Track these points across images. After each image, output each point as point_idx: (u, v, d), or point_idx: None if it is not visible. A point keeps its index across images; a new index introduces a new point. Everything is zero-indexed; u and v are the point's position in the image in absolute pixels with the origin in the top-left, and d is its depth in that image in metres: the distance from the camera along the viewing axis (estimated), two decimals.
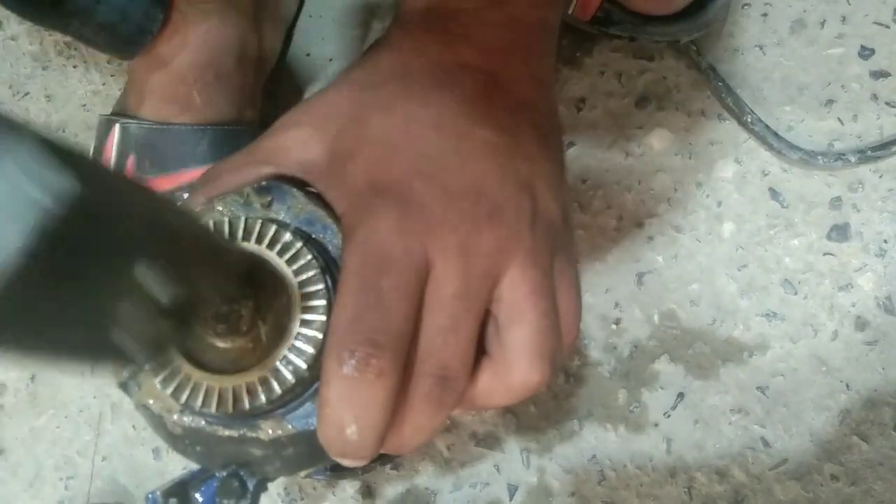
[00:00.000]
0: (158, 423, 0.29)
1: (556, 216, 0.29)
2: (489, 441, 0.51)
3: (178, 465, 0.53)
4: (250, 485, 0.29)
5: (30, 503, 0.54)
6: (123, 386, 0.29)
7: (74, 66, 0.66)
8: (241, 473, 0.29)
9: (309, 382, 0.27)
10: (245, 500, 0.29)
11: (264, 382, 0.26)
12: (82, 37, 0.48)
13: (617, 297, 0.53)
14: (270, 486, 0.50)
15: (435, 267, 0.27)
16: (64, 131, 0.64)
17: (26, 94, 0.66)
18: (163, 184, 0.52)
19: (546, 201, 0.29)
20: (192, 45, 0.49)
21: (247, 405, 0.26)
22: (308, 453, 0.29)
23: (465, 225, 0.27)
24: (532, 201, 0.29)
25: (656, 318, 0.52)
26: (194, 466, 0.32)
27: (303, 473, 0.31)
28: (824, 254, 0.52)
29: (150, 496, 0.32)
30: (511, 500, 0.50)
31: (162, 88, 0.50)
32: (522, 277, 0.27)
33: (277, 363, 0.26)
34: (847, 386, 0.50)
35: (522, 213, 0.28)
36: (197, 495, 0.32)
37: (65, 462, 0.55)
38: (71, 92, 0.65)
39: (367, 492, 0.51)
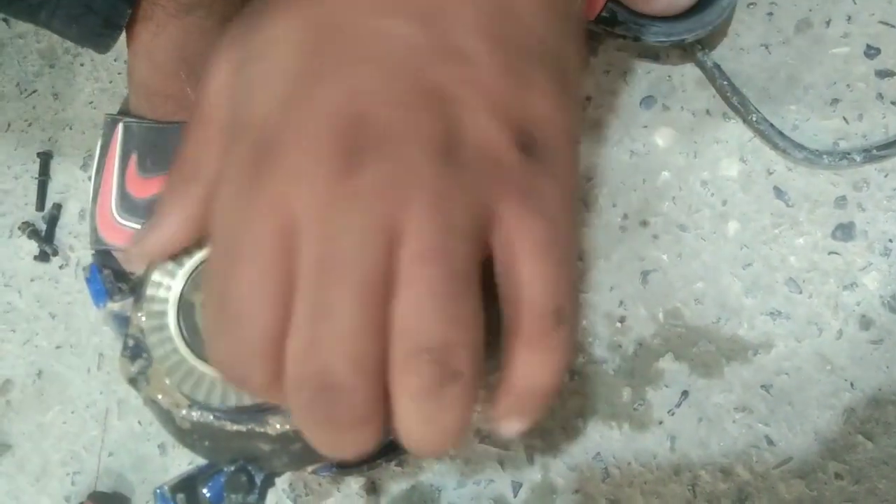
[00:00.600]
0: (167, 417, 0.29)
1: (498, 145, 0.21)
2: (494, 438, 0.51)
3: (183, 461, 0.54)
4: (258, 479, 0.30)
5: (36, 498, 0.55)
6: (132, 381, 0.29)
7: (82, 64, 0.66)
8: (249, 468, 0.29)
9: None
10: (253, 495, 0.29)
11: None
12: (54, 29, 0.47)
13: (621, 296, 0.53)
14: (276, 481, 0.51)
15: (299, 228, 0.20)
16: (71, 128, 0.65)
17: (34, 91, 0.66)
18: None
19: (481, 121, 0.21)
20: (177, 40, 0.47)
21: (254, 399, 0.26)
22: (315, 448, 0.29)
23: (329, 166, 0.20)
24: (446, 121, 0.21)
25: (661, 316, 0.52)
26: (201, 462, 0.32)
27: (310, 469, 0.32)
28: (829, 253, 0.52)
29: (157, 491, 0.32)
30: (515, 496, 0.51)
31: (155, 85, 0.49)
32: (415, 233, 0.20)
33: None
34: (851, 385, 0.50)
35: (423, 139, 0.20)
36: (204, 490, 0.32)
37: (71, 457, 0.55)
38: (78, 90, 0.66)
39: (372, 488, 0.51)
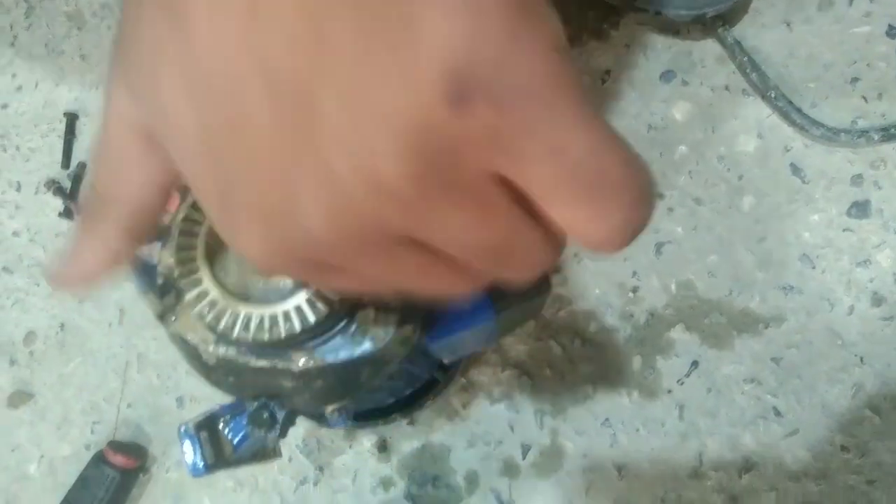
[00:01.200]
0: (193, 353, 0.30)
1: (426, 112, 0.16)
2: (504, 401, 0.52)
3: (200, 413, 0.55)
4: (279, 416, 0.30)
5: (58, 445, 0.56)
6: (161, 317, 0.30)
7: (108, 27, 0.67)
8: (271, 405, 0.30)
9: (340, 316, 0.28)
10: (274, 431, 0.30)
11: (299, 312, 0.27)
12: None
13: (635, 267, 0.54)
14: (290, 438, 0.52)
15: None
16: (97, 89, 0.66)
17: (62, 52, 0.67)
18: None
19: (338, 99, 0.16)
20: None
21: (282, 333, 0.27)
22: (337, 386, 0.30)
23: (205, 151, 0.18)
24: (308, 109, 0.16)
25: (674, 287, 0.53)
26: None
27: (329, 408, 0.32)
28: (843, 230, 0.53)
29: (182, 428, 0.33)
30: (524, 459, 0.51)
31: None
32: None
33: (311, 295, 0.27)
34: (861, 360, 0.51)
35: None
36: (226, 429, 0.33)
37: (91, 407, 0.57)
38: (105, 51, 0.67)
39: (384, 446, 0.52)
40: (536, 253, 0.20)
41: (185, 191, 0.31)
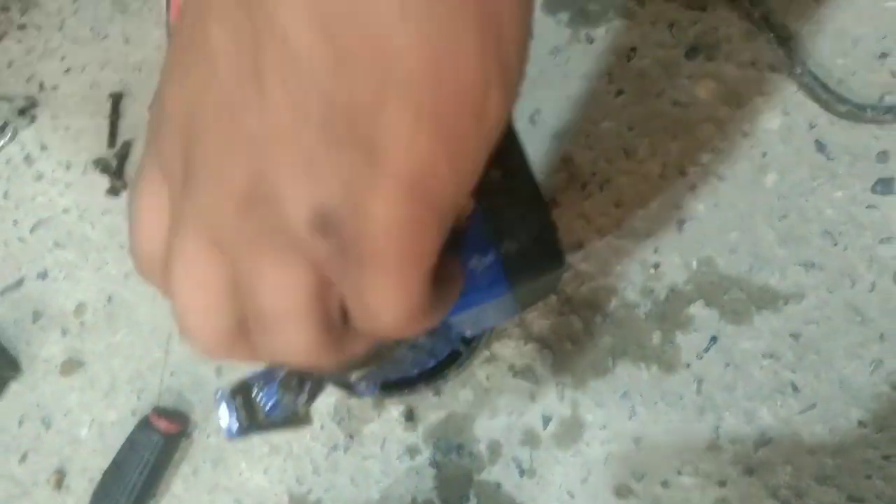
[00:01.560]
0: None
1: (289, 220, 0.20)
2: (526, 373, 0.54)
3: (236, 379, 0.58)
4: (308, 383, 0.32)
5: (105, 411, 0.60)
6: None
7: (150, 10, 0.70)
8: (301, 372, 0.32)
9: None
10: (303, 395, 0.32)
11: None
12: None
13: (657, 243, 0.55)
14: (321, 407, 0.54)
15: None
16: (140, 71, 0.68)
17: (106, 36, 0.70)
18: None
19: (275, 184, 0.20)
20: None
21: None
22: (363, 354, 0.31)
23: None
24: (247, 178, 0.20)
25: (694, 263, 0.54)
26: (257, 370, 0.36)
27: (354, 375, 0.34)
28: (867, 206, 0.52)
29: (218, 392, 0.35)
30: (545, 429, 0.53)
31: None
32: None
33: None
34: (881, 336, 0.51)
35: (225, 190, 0.20)
36: (259, 395, 0.36)
37: (137, 375, 0.60)
38: (147, 34, 0.69)
39: (410, 415, 0.55)
40: (293, 337, 0.22)
41: None
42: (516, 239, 0.34)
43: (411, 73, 0.18)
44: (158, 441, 0.56)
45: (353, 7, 0.17)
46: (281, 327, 0.22)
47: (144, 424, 0.56)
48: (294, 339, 0.22)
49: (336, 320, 0.22)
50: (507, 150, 0.36)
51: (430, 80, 0.18)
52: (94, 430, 0.60)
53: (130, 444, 0.57)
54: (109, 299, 0.63)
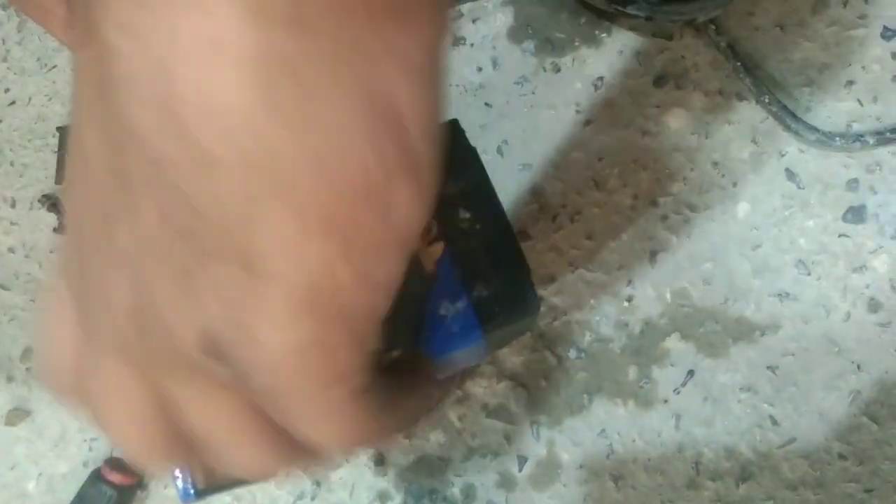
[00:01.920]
0: None
1: (180, 342, 0.18)
2: (500, 413, 0.52)
3: None
4: None
5: (55, 462, 0.56)
6: None
7: None
8: None
9: None
10: None
11: None
12: None
13: (630, 275, 0.53)
14: None
15: None
16: None
17: (54, 66, 0.67)
18: None
19: (158, 299, 0.17)
20: None
21: None
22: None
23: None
24: (130, 291, 0.18)
25: (668, 296, 0.53)
26: None
27: None
28: (839, 235, 0.52)
29: None
30: (520, 471, 0.51)
31: None
32: None
33: None
34: (858, 367, 0.50)
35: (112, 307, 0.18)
36: None
37: (89, 425, 0.57)
38: None
39: (380, 459, 0.52)
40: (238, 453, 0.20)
41: None
42: (489, 283, 0.32)
43: (288, 174, 0.15)
44: (112, 495, 0.53)
45: (208, 102, 0.15)
46: (226, 451, 0.19)
47: (96, 477, 0.53)
48: (244, 460, 0.20)
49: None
50: (476, 189, 0.34)
51: (312, 179, 0.15)
52: (42, 484, 0.56)
53: (81, 499, 0.53)
54: None
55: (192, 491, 0.33)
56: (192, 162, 0.15)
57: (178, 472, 0.33)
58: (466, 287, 0.32)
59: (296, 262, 0.16)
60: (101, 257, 0.18)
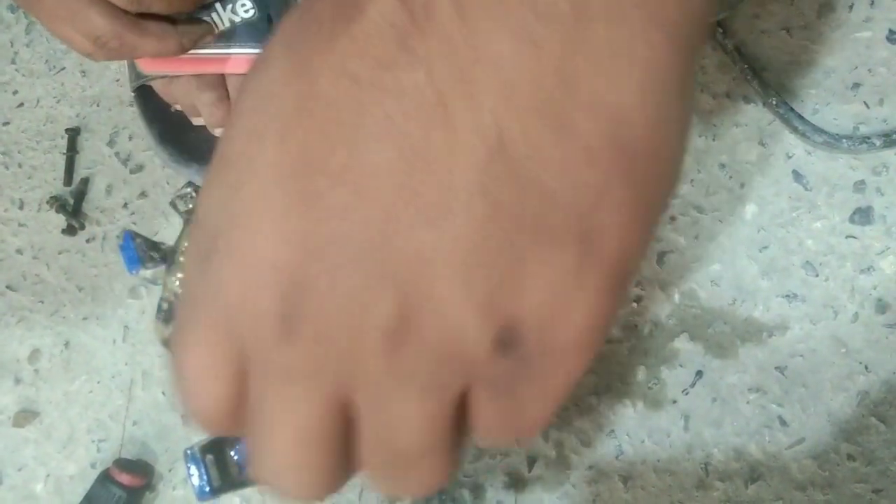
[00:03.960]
0: None
1: (464, 337, 0.17)
2: None
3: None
4: None
5: (63, 464, 0.56)
6: (166, 343, 0.30)
7: None
8: None
9: None
10: None
11: None
12: None
13: (638, 277, 0.54)
14: None
15: None
16: (98, 105, 0.66)
17: (62, 69, 0.68)
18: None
19: (447, 304, 0.17)
20: None
21: None
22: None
23: (268, 334, 0.18)
24: (403, 299, 0.17)
25: (677, 297, 0.53)
26: None
27: None
28: (847, 236, 0.52)
29: (188, 452, 0.33)
30: (529, 471, 0.51)
31: None
32: (363, 432, 0.19)
33: None
34: (866, 368, 0.50)
35: (369, 324, 0.17)
36: (232, 452, 0.33)
37: (97, 425, 0.57)
38: (105, 67, 0.67)
39: None
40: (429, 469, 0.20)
41: (188, 216, 0.31)
42: None
43: (638, 154, 0.16)
44: (120, 496, 0.52)
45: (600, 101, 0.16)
46: (420, 464, 0.19)
47: (105, 478, 0.53)
48: (432, 473, 0.20)
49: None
50: None
51: (652, 158, 0.17)
52: (50, 486, 0.56)
53: (90, 500, 0.53)
54: (67, 344, 0.60)
55: (207, 489, 0.33)
56: (565, 153, 0.16)
57: (192, 470, 0.33)
58: None
59: (622, 241, 0.17)
60: (361, 269, 0.17)
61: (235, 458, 0.34)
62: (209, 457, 0.33)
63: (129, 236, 0.32)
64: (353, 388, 0.18)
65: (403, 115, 0.16)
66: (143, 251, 0.32)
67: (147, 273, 0.31)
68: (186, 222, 0.31)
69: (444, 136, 0.16)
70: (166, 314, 0.30)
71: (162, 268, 0.31)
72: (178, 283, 0.29)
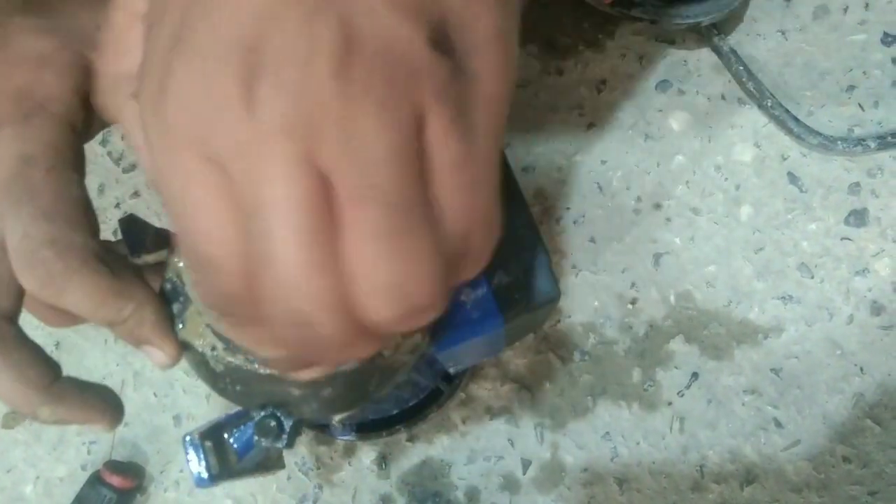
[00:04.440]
0: (200, 360, 0.29)
1: (402, 42, 0.18)
2: (504, 416, 0.52)
3: (205, 422, 0.54)
4: (287, 425, 0.30)
5: (53, 465, 0.56)
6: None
7: None
8: (279, 414, 0.30)
9: None
10: (281, 440, 0.30)
11: None
12: None
13: (633, 278, 0.53)
14: (288, 455, 0.51)
15: None
16: None
17: None
18: None
19: (378, 16, 0.18)
20: None
21: None
22: (345, 395, 0.29)
23: (231, 100, 0.18)
24: (342, 24, 0.18)
25: (672, 298, 0.53)
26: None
27: (336, 418, 0.32)
28: (841, 238, 0.52)
29: (187, 438, 0.32)
30: (524, 474, 0.51)
31: None
32: (338, 173, 0.18)
33: None
34: (861, 369, 0.50)
35: (318, 57, 0.18)
36: (231, 439, 0.33)
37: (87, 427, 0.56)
38: None
39: (383, 462, 0.52)
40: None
41: None
42: (509, 270, 0.32)
43: None
44: (111, 498, 0.52)
45: None
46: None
47: (95, 480, 0.52)
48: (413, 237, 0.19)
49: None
50: (500, 178, 0.34)
51: None
52: (39, 488, 0.56)
53: (80, 502, 0.53)
54: (57, 345, 0.59)
55: (206, 476, 0.32)
56: None
57: (191, 456, 0.32)
58: (487, 274, 0.32)
59: None
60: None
61: (234, 445, 0.33)
62: (208, 443, 0.33)
63: (132, 219, 0.32)
64: (320, 128, 0.18)
65: None
66: (146, 235, 0.32)
67: (150, 258, 0.31)
68: None
69: None
70: (170, 294, 0.30)
71: (165, 252, 0.31)
72: (181, 261, 0.29)
